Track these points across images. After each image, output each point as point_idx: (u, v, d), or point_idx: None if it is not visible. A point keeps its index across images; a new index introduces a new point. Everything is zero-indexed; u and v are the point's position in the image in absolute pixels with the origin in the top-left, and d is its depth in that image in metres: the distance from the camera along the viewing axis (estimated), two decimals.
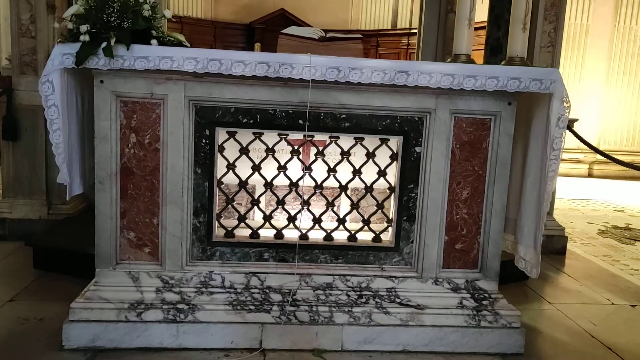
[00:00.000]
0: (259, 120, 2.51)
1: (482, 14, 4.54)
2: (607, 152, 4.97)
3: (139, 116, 2.44)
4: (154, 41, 2.33)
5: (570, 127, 4.15)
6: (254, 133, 2.56)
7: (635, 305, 3.35)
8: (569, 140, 4.42)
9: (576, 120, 4.36)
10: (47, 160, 3.84)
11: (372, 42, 10.53)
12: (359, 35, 3.05)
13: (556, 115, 2.47)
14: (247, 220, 2.65)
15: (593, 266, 4.20)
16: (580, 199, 7.20)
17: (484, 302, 2.65)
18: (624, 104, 9.56)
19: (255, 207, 2.70)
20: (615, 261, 4.38)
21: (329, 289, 2.61)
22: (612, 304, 3.37)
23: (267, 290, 2.58)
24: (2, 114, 3.85)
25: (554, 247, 4.33)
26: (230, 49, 2.37)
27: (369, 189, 2.69)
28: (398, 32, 10.43)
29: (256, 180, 2.65)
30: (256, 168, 2.60)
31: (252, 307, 2.52)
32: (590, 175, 9.37)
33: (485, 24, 4.48)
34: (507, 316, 2.61)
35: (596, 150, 4.67)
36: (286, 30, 2.92)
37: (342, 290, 2.62)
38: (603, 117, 9.58)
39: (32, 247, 3.42)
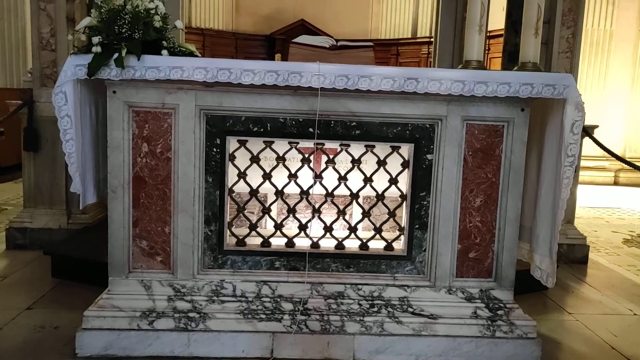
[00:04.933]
0: (269, 128, 2.52)
1: (501, 21, 4.52)
2: (633, 160, 4.86)
3: (151, 126, 2.47)
4: (164, 52, 2.36)
5: (590, 134, 4.08)
6: (264, 141, 2.57)
7: None
8: (594, 148, 4.34)
9: (596, 126, 4.27)
10: (67, 171, 3.90)
11: (392, 51, 10.53)
12: (370, 44, 3.05)
13: (570, 121, 2.43)
14: (258, 229, 2.66)
15: (616, 276, 4.09)
16: (605, 207, 7.04)
17: (499, 312, 2.59)
18: None
19: (267, 216, 2.70)
20: (639, 271, 4.26)
21: (340, 298, 2.60)
22: (635, 314, 3.27)
23: (278, 299, 2.57)
24: (23, 125, 3.94)
25: (576, 256, 4.24)
26: (251, 60, 2.37)
27: (380, 197, 2.67)
28: (418, 40, 10.40)
29: (267, 189, 2.66)
30: (267, 176, 2.60)
31: (263, 316, 2.51)
32: (616, 183, 9.15)
33: (503, 31, 4.45)
34: (522, 326, 2.55)
35: (619, 158, 4.57)
36: (297, 39, 2.93)
37: (353, 300, 2.60)
38: (629, 123, 9.36)
39: (50, 256, 3.48)
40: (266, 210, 2.68)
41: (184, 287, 2.55)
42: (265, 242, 2.64)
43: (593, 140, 4.11)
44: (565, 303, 3.41)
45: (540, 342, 2.56)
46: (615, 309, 3.35)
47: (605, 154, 4.55)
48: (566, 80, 2.44)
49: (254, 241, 2.65)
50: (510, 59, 4.27)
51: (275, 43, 10.62)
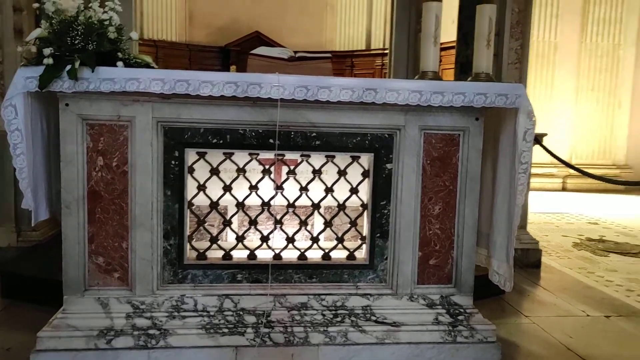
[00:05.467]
0: (229, 140, 2.50)
1: (452, 33, 4.64)
2: (579, 166, 5.07)
3: (106, 139, 2.41)
4: (120, 63, 2.31)
5: (539, 142, 4.22)
6: (224, 153, 2.54)
7: (610, 316, 3.38)
8: (543, 155, 4.49)
9: (545, 134, 4.43)
10: (16, 187, 3.75)
11: (347, 63, 10.64)
12: (328, 55, 3.08)
13: (523, 129, 2.51)
14: (219, 242, 2.62)
15: (568, 278, 4.23)
16: (555, 212, 7.30)
17: (460, 318, 2.64)
18: (594, 119, 9.77)
19: (228, 228, 2.67)
20: (590, 273, 4.42)
21: (304, 309, 2.59)
22: (588, 315, 3.39)
23: (241, 312, 2.54)
24: None
25: (529, 260, 4.36)
26: (206, 71, 2.35)
27: (341, 206, 2.68)
28: (372, 52, 10.56)
29: (228, 201, 2.63)
30: (227, 188, 2.58)
31: (226, 330, 2.47)
32: (564, 189, 9.51)
33: (455, 43, 4.57)
34: (482, 331, 2.61)
35: (567, 165, 4.74)
36: (255, 51, 2.93)
37: (317, 310, 2.59)
38: (574, 131, 9.77)
39: None
40: (227, 223, 2.65)
41: (143, 304, 2.49)
42: (227, 255, 2.60)
43: (543, 148, 4.25)
44: (521, 306, 3.50)
45: (500, 345, 2.62)
46: (569, 310, 3.47)
47: (554, 161, 4.72)
48: (518, 90, 2.52)
49: (215, 254, 2.62)
50: (462, 70, 4.39)
51: (230, 55, 10.57)
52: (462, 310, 2.67)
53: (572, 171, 7.94)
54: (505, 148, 2.66)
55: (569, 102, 9.73)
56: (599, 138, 9.82)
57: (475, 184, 2.65)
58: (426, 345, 2.55)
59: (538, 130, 4.41)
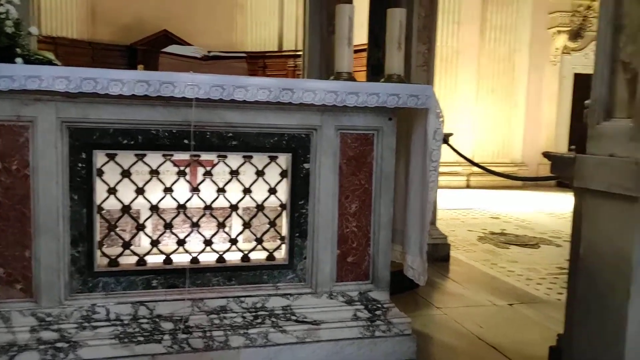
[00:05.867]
0: (140, 141, 2.40)
1: (363, 36, 4.75)
2: (482, 164, 5.39)
3: (5, 140, 2.24)
4: (19, 59, 2.16)
5: (446, 141, 4.43)
6: (135, 155, 2.44)
7: (513, 304, 3.60)
8: (448, 154, 4.72)
9: (451, 134, 4.64)
10: None
11: (259, 64, 10.59)
12: (243, 55, 3.05)
13: (433, 128, 2.62)
14: (132, 247, 2.51)
15: (475, 270, 4.47)
16: (460, 208, 7.69)
17: (377, 313, 2.71)
18: (493, 120, 10.40)
19: (141, 233, 2.57)
20: (493, 264, 4.70)
21: (223, 312, 2.54)
22: (494, 305, 3.60)
23: (157, 319, 2.45)
24: None
25: (439, 254, 4.56)
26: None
27: (260, 207, 2.66)
28: (284, 53, 10.60)
29: (141, 204, 2.53)
30: (140, 191, 2.48)
31: (141, 339, 2.37)
32: (468, 186, 10.05)
33: (366, 46, 4.69)
34: (399, 324, 2.69)
35: (472, 163, 5.02)
36: (167, 49, 2.84)
37: (237, 313, 2.55)
38: (476, 132, 10.36)
39: None
40: (140, 227, 2.55)
41: (50, 316, 2.33)
42: (141, 261, 2.50)
43: (450, 147, 4.47)
44: (434, 299, 3.65)
45: (415, 337, 2.71)
46: (477, 301, 3.66)
47: (459, 159, 4.98)
48: (427, 91, 2.62)
49: (128, 260, 2.50)
50: (374, 72, 4.52)
51: (137, 53, 10.18)
52: (379, 305, 2.74)
53: (475, 169, 8.41)
54: (416, 147, 2.76)
55: (470, 104, 10.30)
56: (498, 138, 10.47)
57: (390, 182, 2.73)
58: (346, 342, 2.59)
59: (444, 130, 4.66)
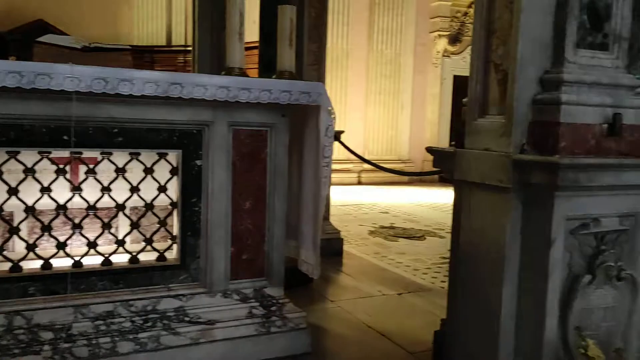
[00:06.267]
0: (12, 137, 2.21)
1: (254, 33, 4.73)
2: (372, 161, 5.60)
3: None
4: None
5: (338, 139, 4.54)
6: (7, 152, 2.24)
7: (401, 294, 3.78)
8: (340, 151, 4.85)
9: (343, 132, 4.77)
10: None
11: (146, 59, 10.11)
12: (127, 47, 2.90)
13: (324, 125, 2.67)
14: (5, 252, 2.31)
15: (366, 263, 4.63)
16: (352, 204, 7.92)
17: (272, 309, 2.71)
18: (382, 119, 10.83)
19: (15, 237, 2.36)
20: (383, 257, 4.89)
21: (110, 318, 2.41)
22: (383, 294, 3.74)
23: (36, 329, 2.27)
24: None
25: (333, 249, 4.66)
26: None
27: (149, 206, 2.56)
28: (173, 49, 10.23)
29: (14, 206, 2.33)
30: (13, 192, 2.28)
31: (17, 351, 2.18)
32: (359, 182, 10.37)
33: (258, 43, 4.67)
34: (294, 319, 2.71)
35: (363, 160, 5.20)
36: (42, 39, 2.64)
37: (125, 317, 2.43)
38: (367, 130, 10.73)
39: None
40: (14, 231, 2.34)
41: None
42: (16, 267, 2.30)
43: (342, 144, 4.58)
44: (328, 292, 3.73)
45: (310, 331, 2.75)
46: (368, 292, 3.79)
47: (350, 157, 5.13)
48: (319, 88, 2.67)
49: (1, 267, 2.29)
50: (266, 69, 4.51)
51: (8, 44, 9.33)
52: (274, 301, 2.74)
53: (366, 166, 8.71)
54: (309, 143, 2.80)
55: (361, 103, 10.65)
56: (386, 136, 10.92)
57: (283, 178, 2.75)
58: (241, 340, 2.57)
59: (336, 128, 4.77)
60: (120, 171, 2.46)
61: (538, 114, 1.74)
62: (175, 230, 2.61)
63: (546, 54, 1.75)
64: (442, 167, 2.19)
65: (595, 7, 1.74)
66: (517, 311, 1.82)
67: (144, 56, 10.05)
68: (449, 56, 11.23)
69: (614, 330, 1.81)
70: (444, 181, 8.84)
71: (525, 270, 1.78)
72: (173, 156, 2.57)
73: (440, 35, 11.12)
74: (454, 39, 11.07)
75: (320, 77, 4.52)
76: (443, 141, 11.24)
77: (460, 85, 10.90)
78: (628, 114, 1.76)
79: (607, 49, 1.79)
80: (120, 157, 2.45)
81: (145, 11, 10.57)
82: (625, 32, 1.81)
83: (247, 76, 2.67)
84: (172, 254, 2.62)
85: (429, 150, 2.26)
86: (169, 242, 2.62)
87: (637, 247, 1.83)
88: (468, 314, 1.99)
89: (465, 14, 10.98)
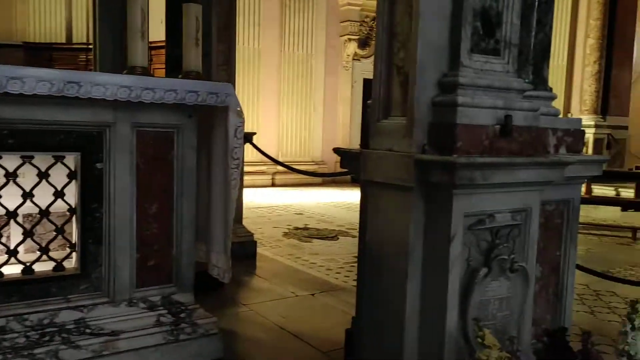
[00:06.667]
0: None
1: (162, 32, 4.58)
2: (286, 163, 5.61)
3: None
4: None
5: (249, 140, 4.50)
6: None
7: (314, 294, 3.81)
8: (254, 153, 4.81)
9: (254, 133, 4.75)
10: None
11: (45, 56, 9.54)
12: (19, 43, 2.71)
13: (233, 126, 2.63)
14: None
15: (280, 265, 4.62)
16: (266, 206, 7.89)
17: (182, 315, 2.63)
18: (295, 120, 10.88)
19: None
20: (297, 258, 4.91)
21: (2, 334, 2.23)
22: (296, 296, 3.76)
23: None
24: None
25: (246, 252, 4.61)
26: None
27: (44, 212, 2.40)
28: (74, 46, 9.72)
29: None
30: None
31: None
32: (273, 184, 10.36)
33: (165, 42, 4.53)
34: (204, 325, 2.65)
35: (276, 161, 5.19)
36: None
37: (19, 333, 2.26)
38: (280, 132, 10.74)
39: None
40: None
41: None
42: None
43: (253, 146, 4.55)
44: (240, 296, 3.69)
45: (221, 336, 2.70)
46: (281, 294, 3.78)
47: (264, 158, 5.11)
48: (227, 89, 2.63)
49: None
50: (173, 69, 4.38)
51: None
52: (183, 307, 2.67)
53: (280, 168, 8.71)
54: (218, 145, 2.75)
55: (274, 105, 10.64)
56: (300, 138, 10.98)
57: (192, 180, 2.68)
58: (149, 349, 2.47)
59: (247, 130, 4.73)
60: (11, 176, 2.29)
61: (437, 116, 1.82)
62: (75, 238, 2.47)
63: (444, 58, 1.83)
64: (348, 167, 2.23)
65: (488, 15, 1.84)
66: (421, 307, 1.88)
67: (41, 54, 9.47)
68: (359, 59, 11.48)
69: (509, 319, 1.93)
70: (355, 182, 9.02)
71: (428, 266, 1.85)
72: (71, 159, 2.42)
73: (350, 39, 11.34)
74: (364, 43, 11.34)
75: (230, 78, 4.46)
76: (355, 142, 11.48)
77: (370, 88, 11.16)
78: (517, 115, 1.88)
79: (499, 54, 1.90)
80: (10, 161, 2.28)
81: (42, 6, 9.95)
82: (515, 39, 1.93)
83: (151, 75, 2.58)
84: (72, 263, 2.47)
85: (336, 151, 2.29)
86: (68, 250, 2.48)
87: (528, 241, 1.96)
88: (375, 310, 2.04)
89: (374, 18, 11.24)
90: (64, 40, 9.92)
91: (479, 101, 1.81)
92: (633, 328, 1.60)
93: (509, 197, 1.87)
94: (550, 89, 2.26)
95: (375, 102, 1.98)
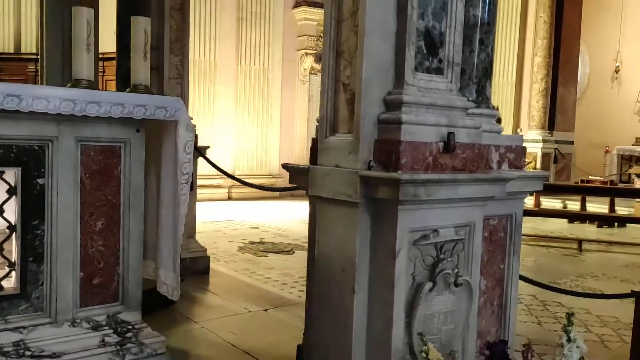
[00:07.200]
0: None
1: (114, 44, 4.51)
2: (241, 176, 5.58)
3: None
4: None
5: (203, 154, 4.46)
6: None
7: (267, 309, 3.78)
8: (210, 167, 4.75)
9: (208, 147, 4.70)
10: None
11: None
12: None
13: (183, 141, 2.61)
14: None
15: (233, 280, 4.57)
16: (222, 220, 7.80)
17: (128, 335, 2.56)
18: (252, 134, 10.84)
19: None
20: (252, 273, 4.86)
21: None
22: (249, 311, 3.72)
23: None
24: None
25: (199, 267, 4.54)
26: None
27: None
28: (23, 57, 9.44)
29: None
30: None
31: None
32: (230, 198, 10.25)
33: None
34: (152, 344, 2.58)
35: (229, 175, 5.14)
36: None
37: None
38: (237, 145, 10.67)
39: None
40: None
41: None
42: None
43: (206, 160, 4.50)
44: (192, 313, 3.62)
45: (170, 355, 2.64)
46: (234, 310, 3.74)
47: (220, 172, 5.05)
48: (177, 103, 2.60)
49: None
50: (124, 82, 4.31)
51: None
52: (130, 327, 2.59)
53: (236, 181, 8.67)
54: (167, 159, 2.71)
55: (230, 118, 10.57)
56: (257, 151, 10.94)
57: (139, 196, 2.63)
58: None
59: (202, 143, 4.68)
60: None
61: (383, 133, 1.85)
62: (14, 256, 2.37)
63: (388, 76, 1.86)
64: (297, 183, 2.23)
65: (430, 34, 1.89)
66: (369, 321, 1.89)
67: None
68: (315, 73, 11.55)
69: (454, 332, 1.96)
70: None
71: (374, 281, 1.87)
72: (11, 174, 2.34)
73: (307, 53, 11.42)
74: (320, 58, 11.41)
75: (183, 91, 4.42)
76: None
77: None
78: (460, 132, 1.92)
79: (442, 73, 1.95)
80: None
81: None
82: (457, 58, 1.98)
83: (96, 89, 2.53)
84: (11, 283, 2.38)
85: (285, 167, 2.29)
86: (7, 269, 2.38)
87: (471, 255, 2.00)
88: (323, 326, 2.04)
89: None
90: (12, 50, 9.63)
91: (423, 119, 1.85)
92: (569, 340, 1.66)
93: (452, 212, 1.91)
94: (493, 107, 2.33)
95: (323, 118, 2.00)
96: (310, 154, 2.21)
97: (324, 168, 1.97)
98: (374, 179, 1.78)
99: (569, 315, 1.71)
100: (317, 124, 2.06)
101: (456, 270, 1.92)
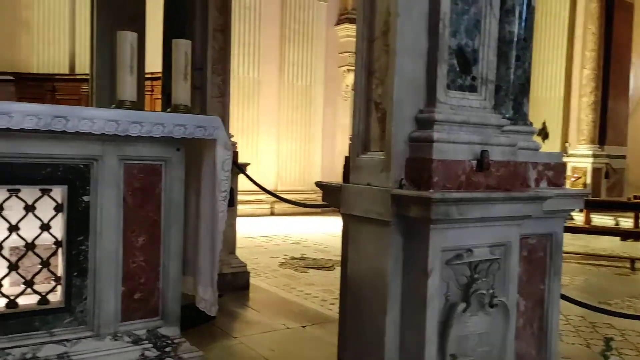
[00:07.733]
0: None
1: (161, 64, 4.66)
2: (284, 192, 5.64)
3: None
4: None
5: (243, 171, 4.53)
6: None
7: (306, 326, 3.77)
8: (252, 183, 4.83)
9: (248, 164, 4.77)
10: None
11: (47, 87, 9.70)
12: (10, 77, 2.77)
13: (221, 159, 2.67)
14: None
15: (273, 296, 4.59)
16: (264, 235, 7.87)
17: (167, 349, 2.62)
18: (294, 149, 10.94)
19: None
20: (292, 289, 4.88)
21: None
22: (288, 328, 3.72)
23: None
24: None
25: (239, 283, 4.59)
26: None
27: (30, 245, 2.41)
28: (77, 77, 9.86)
29: None
30: None
31: None
32: (272, 213, 10.35)
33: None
34: (190, 358, 2.63)
35: (268, 192, 5.21)
36: None
37: None
38: (280, 160, 10.80)
39: None
40: None
41: None
42: None
43: (246, 177, 4.57)
44: (231, 328, 3.65)
45: None
46: (272, 326, 3.75)
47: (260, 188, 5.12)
48: (215, 122, 2.67)
49: None
50: (169, 101, 4.45)
51: None
52: (169, 341, 2.65)
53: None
54: (206, 177, 2.78)
55: (273, 134, 10.72)
56: (299, 166, 11.02)
57: (179, 213, 2.69)
58: None
59: (245, 160, 4.75)
60: None
61: (414, 151, 1.84)
62: (60, 271, 2.47)
63: (420, 95, 1.85)
64: (330, 201, 2.24)
65: (463, 52, 1.88)
66: (401, 341, 1.87)
67: (44, 84, 9.61)
68: None
69: (489, 354, 1.91)
70: None
71: (406, 300, 1.85)
72: (58, 192, 2.45)
73: (348, 70, 11.47)
74: None
75: (225, 109, 4.51)
76: None
77: None
78: (495, 150, 1.89)
79: (475, 91, 1.92)
80: None
81: (46, 36, 10.14)
82: (492, 75, 1.96)
83: (140, 109, 2.62)
84: (57, 296, 2.47)
85: (318, 185, 2.31)
86: (53, 283, 2.48)
87: (508, 275, 1.95)
88: (357, 346, 2.02)
89: None
90: (67, 71, 10.08)
91: (455, 137, 1.83)
92: None
93: (487, 232, 1.87)
94: (531, 124, 2.28)
95: (355, 137, 2.01)
96: (343, 172, 2.22)
97: (356, 186, 1.98)
98: (405, 197, 1.77)
99: (607, 340, 1.64)
100: (350, 142, 2.07)
101: (491, 291, 1.87)
